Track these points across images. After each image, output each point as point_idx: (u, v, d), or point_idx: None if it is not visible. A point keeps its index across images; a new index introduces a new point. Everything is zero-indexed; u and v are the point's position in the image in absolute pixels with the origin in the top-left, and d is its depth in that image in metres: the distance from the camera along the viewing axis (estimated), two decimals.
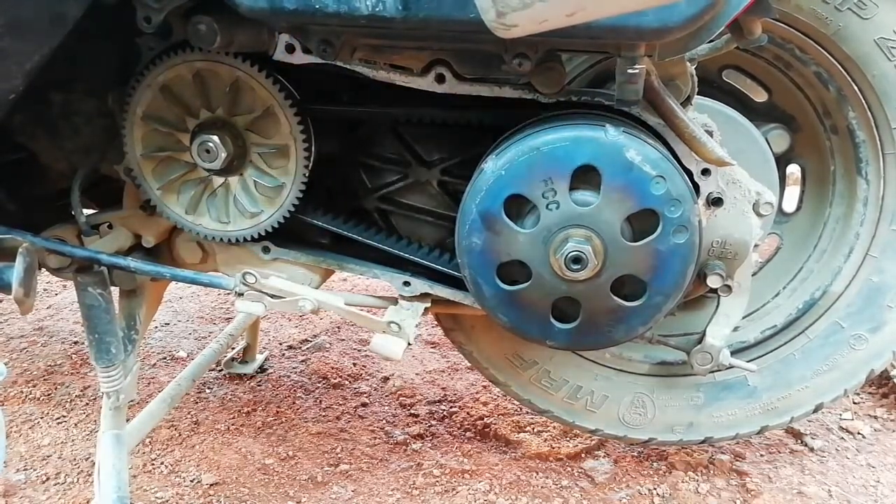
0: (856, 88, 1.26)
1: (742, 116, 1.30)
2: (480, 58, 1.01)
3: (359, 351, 1.99)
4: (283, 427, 1.62)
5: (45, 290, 2.30)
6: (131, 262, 1.16)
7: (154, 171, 1.14)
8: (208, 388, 1.77)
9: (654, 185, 0.94)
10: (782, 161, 1.41)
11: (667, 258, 0.97)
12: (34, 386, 1.76)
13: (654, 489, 1.42)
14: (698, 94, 1.15)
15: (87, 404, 1.69)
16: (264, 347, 1.98)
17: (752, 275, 1.16)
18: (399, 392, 1.78)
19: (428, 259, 1.17)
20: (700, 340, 1.18)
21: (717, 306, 1.16)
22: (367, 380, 1.84)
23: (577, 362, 1.39)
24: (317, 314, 1.29)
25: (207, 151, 1.08)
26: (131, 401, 1.24)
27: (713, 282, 1.10)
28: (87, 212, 1.24)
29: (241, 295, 1.14)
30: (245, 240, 1.17)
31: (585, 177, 0.95)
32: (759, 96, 1.43)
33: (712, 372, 1.35)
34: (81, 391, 1.75)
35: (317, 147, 1.12)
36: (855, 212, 1.36)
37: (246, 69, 1.06)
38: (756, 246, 1.11)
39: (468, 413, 1.69)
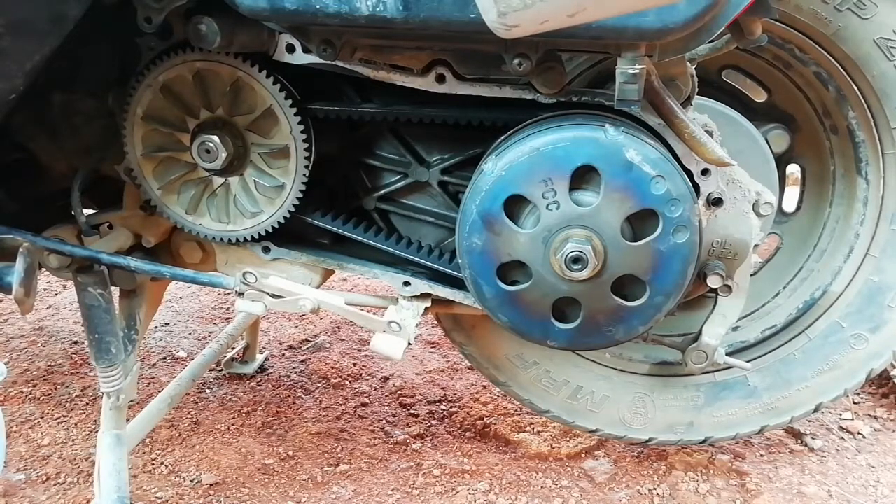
0: (855, 88, 1.26)
1: (742, 116, 1.30)
2: (481, 58, 1.01)
3: (359, 351, 1.98)
4: (283, 427, 1.62)
5: (45, 290, 2.29)
6: (131, 262, 1.16)
7: (154, 171, 1.14)
8: (208, 388, 1.77)
9: (654, 185, 0.94)
10: (782, 161, 1.41)
11: (667, 258, 0.97)
12: (34, 386, 1.76)
13: (654, 489, 1.42)
14: (698, 94, 1.15)
15: (88, 404, 1.69)
16: (264, 347, 1.98)
17: (752, 274, 1.16)
18: (399, 392, 1.78)
19: (428, 259, 1.17)
20: (696, 339, 1.18)
21: (715, 306, 1.16)
22: (367, 380, 1.84)
23: (577, 362, 1.39)
24: (317, 314, 1.29)
25: (208, 151, 1.08)
26: (131, 401, 1.24)
27: (713, 282, 1.10)
28: (87, 212, 1.24)
29: (241, 294, 1.14)
30: (245, 240, 1.17)
31: (585, 177, 0.96)
32: (759, 96, 1.43)
33: (708, 372, 1.36)
34: (81, 391, 1.74)
35: (317, 147, 1.12)
36: (855, 211, 1.36)
37: (246, 69, 1.06)
38: (756, 246, 1.11)
39: (468, 413, 1.69)
